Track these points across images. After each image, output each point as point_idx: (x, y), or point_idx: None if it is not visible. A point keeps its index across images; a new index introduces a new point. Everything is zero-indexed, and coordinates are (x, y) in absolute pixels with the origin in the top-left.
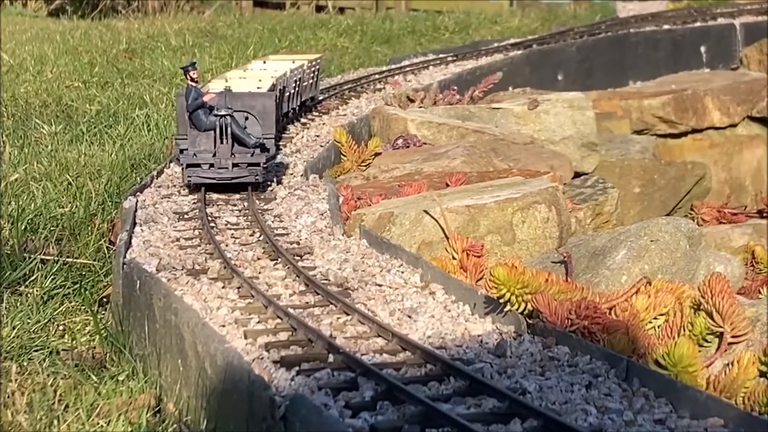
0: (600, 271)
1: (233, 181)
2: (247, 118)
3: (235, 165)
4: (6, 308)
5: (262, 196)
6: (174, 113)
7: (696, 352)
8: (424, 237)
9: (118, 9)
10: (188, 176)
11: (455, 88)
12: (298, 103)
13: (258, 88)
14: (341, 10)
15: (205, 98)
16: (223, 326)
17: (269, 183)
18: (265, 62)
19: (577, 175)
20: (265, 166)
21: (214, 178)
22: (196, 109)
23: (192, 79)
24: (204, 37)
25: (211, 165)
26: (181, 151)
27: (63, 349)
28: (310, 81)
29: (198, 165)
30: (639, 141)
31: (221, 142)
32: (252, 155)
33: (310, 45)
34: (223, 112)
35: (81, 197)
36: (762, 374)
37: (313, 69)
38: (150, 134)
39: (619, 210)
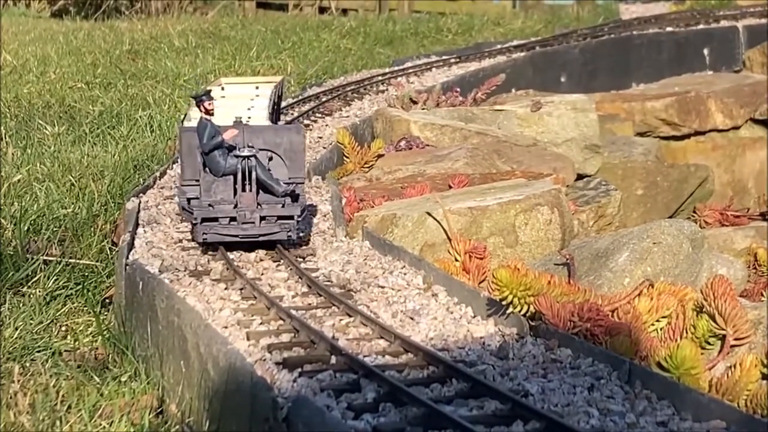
0: (602, 274)
1: (261, 239)
2: (270, 159)
3: (262, 219)
4: (8, 309)
5: None
6: (174, 139)
7: (698, 355)
8: (426, 239)
9: (121, 10)
10: (203, 233)
11: (458, 89)
12: None
13: (242, 118)
14: (344, 11)
15: (225, 135)
16: (226, 328)
17: (303, 239)
18: (223, 88)
19: (579, 177)
20: (299, 219)
21: (237, 236)
22: (214, 150)
23: (207, 111)
24: (207, 38)
25: (233, 219)
26: (190, 200)
27: (65, 350)
28: (275, 110)
29: (215, 219)
30: (642, 143)
31: (244, 190)
32: (283, 206)
33: (313, 46)
34: (246, 153)
35: (84, 198)
36: (764, 377)
37: (277, 95)
38: (153, 135)
39: (622, 212)
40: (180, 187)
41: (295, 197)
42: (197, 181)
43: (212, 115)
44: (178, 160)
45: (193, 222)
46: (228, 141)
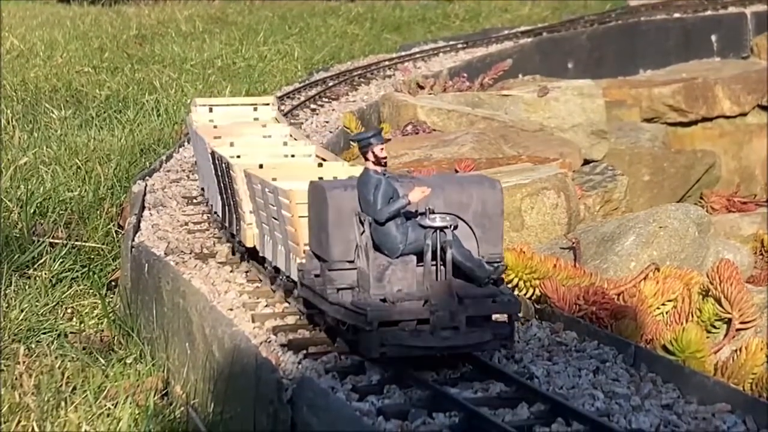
0: (608, 257)
1: (464, 351)
2: (455, 227)
3: (469, 320)
4: (14, 291)
5: None
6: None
7: (704, 338)
8: None
9: None
10: (380, 345)
11: (465, 75)
12: None
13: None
14: None
15: (413, 196)
16: (231, 310)
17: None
18: (211, 110)
19: (586, 162)
20: (516, 320)
21: (432, 348)
22: (393, 218)
23: (377, 160)
24: (214, 23)
25: (423, 322)
26: (358, 287)
27: (71, 332)
28: None
29: (395, 323)
30: (649, 129)
31: (435, 278)
32: (494, 301)
33: (321, 32)
34: (439, 223)
35: (90, 181)
36: None
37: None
38: (159, 119)
39: (629, 197)
40: (321, 270)
41: (498, 282)
42: (350, 262)
43: (385, 165)
44: (313, 227)
45: (365, 327)
46: (417, 204)
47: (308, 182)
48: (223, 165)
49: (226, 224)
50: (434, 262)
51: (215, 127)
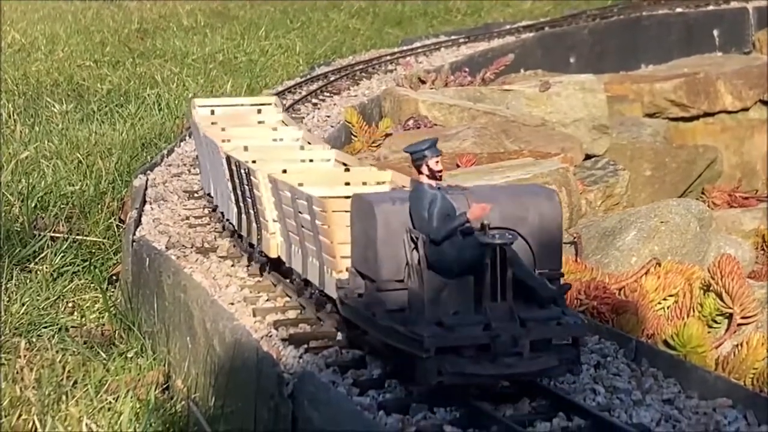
0: (610, 252)
1: (529, 377)
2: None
3: (532, 345)
4: (15, 285)
5: None
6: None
7: (705, 333)
8: None
9: None
10: (437, 372)
11: (467, 69)
12: None
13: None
14: None
15: (473, 212)
16: (232, 304)
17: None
18: (213, 111)
19: (588, 157)
20: (583, 344)
21: (493, 375)
22: (451, 236)
23: (432, 174)
24: (216, 17)
25: (484, 347)
26: (410, 310)
27: (72, 326)
28: None
29: (453, 348)
30: (650, 124)
31: (495, 299)
32: (559, 323)
33: (322, 26)
34: (499, 239)
35: (91, 176)
36: None
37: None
38: (161, 114)
39: (630, 192)
40: (360, 292)
41: (558, 302)
42: (400, 282)
43: (440, 178)
44: (358, 243)
45: (420, 354)
46: (478, 220)
47: (335, 187)
48: (242, 171)
49: (243, 233)
50: (493, 282)
51: (223, 129)
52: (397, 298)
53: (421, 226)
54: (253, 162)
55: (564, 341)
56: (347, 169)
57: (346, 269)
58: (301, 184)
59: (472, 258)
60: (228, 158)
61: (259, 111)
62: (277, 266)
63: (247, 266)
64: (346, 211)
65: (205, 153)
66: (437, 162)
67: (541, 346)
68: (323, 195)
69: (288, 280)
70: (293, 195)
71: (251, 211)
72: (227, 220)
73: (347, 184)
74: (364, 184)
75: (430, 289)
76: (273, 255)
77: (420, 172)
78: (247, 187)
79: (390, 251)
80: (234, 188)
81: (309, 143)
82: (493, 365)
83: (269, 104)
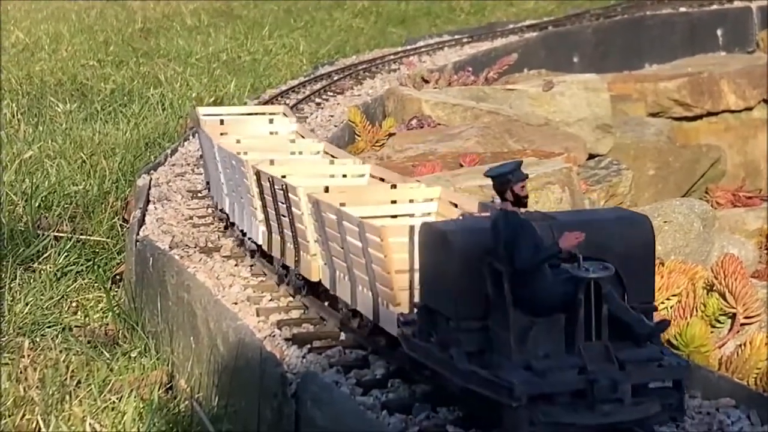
0: None
1: (630, 426)
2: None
3: (635, 391)
4: (19, 285)
5: None
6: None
7: (708, 333)
8: None
9: None
10: (529, 422)
11: (470, 69)
12: None
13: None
14: None
15: (565, 242)
16: (236, 304)
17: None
18: (222, 122)
19: (591, 156)
20: (686, 387)
21: (592, 425)
22: (541, 264)
23: (517, 200)
24: (219, 17)
25: (579, 394)
26: (492, 351)
27: (76, 326)
28: None
29: (547, 396)
30: (654, 124)
31: (589, 338)
32: (660, 364)
33: (326, 26)
34: (593, 273)
35: (95, 175)
36: None
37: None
38: (164, 113)
39: (633, 192)
40: (431, 330)
41: (654, 339)
42: (479, 320)
43: (526, 204)
44: (428, 276)
45: (510, 403)
46: (570, 249)
47: (381, 207)
48: (276, 187)
49: (274, 254)
50: (587, 319)
51: (238, 141)
52: (476, 338)
53: (507, 257)
54: (283, 177)
55: (664, 384)
56: (393, 186)
57: (407, 303)
58: (343, 204)
59: (563, 293)
60: (258, 174)
61: (271, 121)
62: (314, 289)
63: (251, 266)
64: (403, 239)
65: (218, 166)
66: (522, 187)
67: (639, 390)
68: (367, 215)
69: (326, 303)
70: (340, 219)
71: (286, 231)
72: (249, 239)
73: (393, 202)
74: (411, 201)
75: (517, 328)
76: (314, 278)
77: (503, 198)
78: (282, 205)
79: (467, 286)
80: (264, 205)
81: (331, 155)
82: (591, 413)
83: (278, 113)
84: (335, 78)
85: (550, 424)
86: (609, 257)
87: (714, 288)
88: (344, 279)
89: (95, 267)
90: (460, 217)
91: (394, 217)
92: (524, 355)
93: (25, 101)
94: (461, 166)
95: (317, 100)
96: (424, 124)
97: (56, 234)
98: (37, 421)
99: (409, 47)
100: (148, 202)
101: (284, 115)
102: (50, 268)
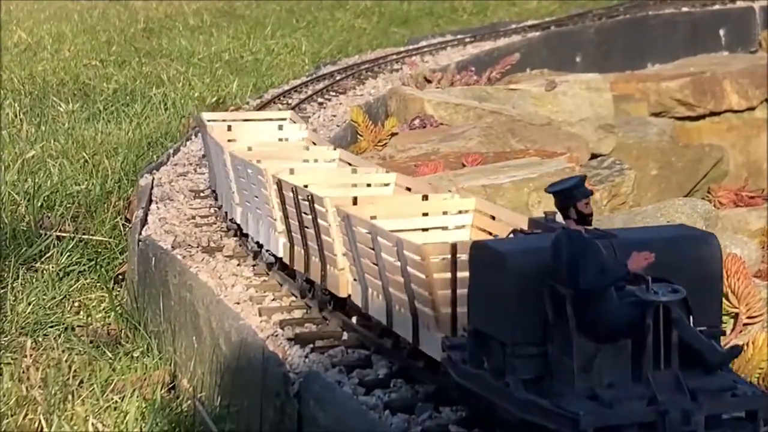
0: None
1: None
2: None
3: (707, 423)
4: (22, 284)
5: None
6: None
7: None
8: None
9: None
10: None
11: (473, 69)
12: None
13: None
14: None
15: (634, 263)
16: (238, 303)
17: None
18: (230, 128)
19: (593, 156)
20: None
21: None
22: (608, 287)
23: (582, 217)
24: (222, 16)
25: (649, 426)
26: (553, 379)
27: (78, 326)
28: None
29: (614, 428)
30: (657, 123)
31: (658, 366)
32: (734, 394)
33: (328, 26)
34: (663, 296)
35: (97, 175)
36: None
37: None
38: (167, 113)
39: (636, 192)
40: (483, 356)
41: (724, 367)
42: (537, 346)
43: (590, 223)
44: (478, 298)
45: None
46: (638, 271)
47: (412, 219)
48: (301, 198)
49: (296, 267)
50: (655, 346)
51: (249, 149)
52: (533, 365)
53: (570, 279)
54: (305, 187)
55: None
56: (425, 197)
57: (450, 326)
58: (374, 217)
59: (630, 317)
60: (279, 183)
61: (281, 128)
62: (342, 303)
63: (253, 266)
64: (446, 257)
65: (229, 174)
66: (587, 204)
67: (712, 421)
68: (398, 228)
69: (354, 319)
70: (374, 234)
71: (310, 244)
72: (267, 251)
73: (425, 214)
74: (444, 213)
75: (581, 354)
76: (343, 294)
77: (566, 216)
78: (306, 216)
79: (524, 309)
80: (286, 216)
81: (348, 163)
82: None
83: (286, 119)
84: (337, 78)
85: None
86: (675, 278)
87: None
88: (378, 298)
89: (98, 267)
90: (512, 235)
91: (426, 230)
92: (588, 383)
93: (28, 101)
94: (464, 165)
95: (319, 99)
96: (426, 123)
97: (58, 234)
98: (40, 421)
99: (411, 47)
100: (150, 201)
101: (291, 121)
102: (53, 267)
